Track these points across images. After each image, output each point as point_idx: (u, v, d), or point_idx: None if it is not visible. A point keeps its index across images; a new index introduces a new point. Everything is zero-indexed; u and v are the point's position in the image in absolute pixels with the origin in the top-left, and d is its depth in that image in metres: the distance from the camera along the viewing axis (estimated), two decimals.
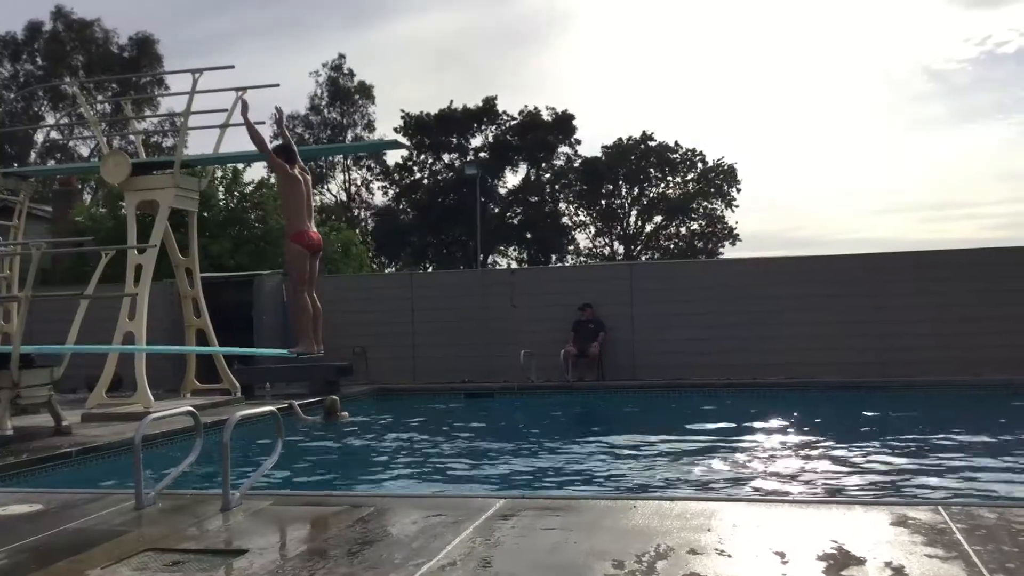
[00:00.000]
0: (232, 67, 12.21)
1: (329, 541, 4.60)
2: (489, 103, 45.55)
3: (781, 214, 63.17)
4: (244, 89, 12.11)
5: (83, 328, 11.02)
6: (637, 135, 46.62)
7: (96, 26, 43.39)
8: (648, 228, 47.78)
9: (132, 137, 14.78)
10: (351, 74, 47.28)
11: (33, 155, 40.06)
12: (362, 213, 48.00)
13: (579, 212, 47.62)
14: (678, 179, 47.22)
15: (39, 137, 39.87)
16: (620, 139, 46.30)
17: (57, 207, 23.42)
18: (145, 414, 8.12)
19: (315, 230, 8.85)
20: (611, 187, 46.74)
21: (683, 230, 47.14)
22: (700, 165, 46.73)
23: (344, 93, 47.00)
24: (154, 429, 8.18)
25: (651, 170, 46.93)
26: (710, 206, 46.80)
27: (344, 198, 47.65)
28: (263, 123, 13.95)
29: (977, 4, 63.22)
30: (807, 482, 7.15)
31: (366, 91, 47.28)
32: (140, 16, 78.63)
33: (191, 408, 6.04)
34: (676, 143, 46.57)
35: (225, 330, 13.41)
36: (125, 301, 11.26)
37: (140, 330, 11.10)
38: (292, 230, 8.57)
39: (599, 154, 46.05)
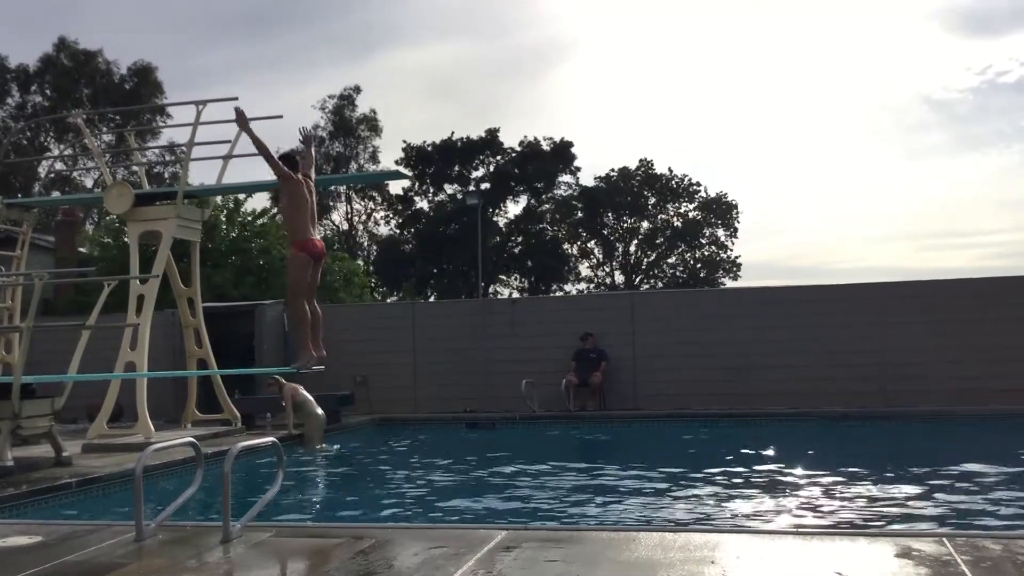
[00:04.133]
0: (236, 99, 12.23)
1: (330, 574, 4.57)
2: (492, 134, 45.82)
3: (780, 242, 63.38)
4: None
5: (85, 358, 11.02)
6: (635, 163, 46.94)
7: (100, 57, 43.83)
8: (650, 257, 47.87)
9: (136, 168, 14.86)
10: (354, 105, 47.67)
11: (37, 186, 40.28)
12: (365, 242, 48.17)
13: (579, 241, 47.74)
14: (678, 208, 47.38)
15: (42, 169, 40.10)
16: (613, 169, 46.58)
17: (60, 237, 23.48)
18: (146, 445, 8.09)
19: (318, 237, 8.82)
20: (611, 216, 46.89)
21: (687, 257, 47.25)
22: (699, 195, 46.92)
23: (348, 125, 47.35)
24: (155, 460, 8.16)
25: (651, 199, 47.11)
26: (713, 235, 46.97)
27: (346, 227, 47.86)
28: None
29: (977, 34, 63.80)
30: (811, 513, 7.11)
31: (371, 123, 47.65)
32: (142, 48, 79.48)
33: (192, 439, 6.02)
34: (671, 170, 46.86)
35: (227, 360, 13.42)
36: (127, 331, 11.27)
37: (142, 360, 11.09)
38: (295, 236, 8.53)
39: (596, 183, 46.29)
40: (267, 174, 9.17)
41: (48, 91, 43.65)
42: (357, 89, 47.80)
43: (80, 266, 19.28)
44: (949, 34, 64.07)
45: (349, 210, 48.35)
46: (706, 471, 9.21)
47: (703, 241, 47.18)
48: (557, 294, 43.75)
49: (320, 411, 12.08)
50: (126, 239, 14.19)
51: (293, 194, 8.53)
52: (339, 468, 10.98)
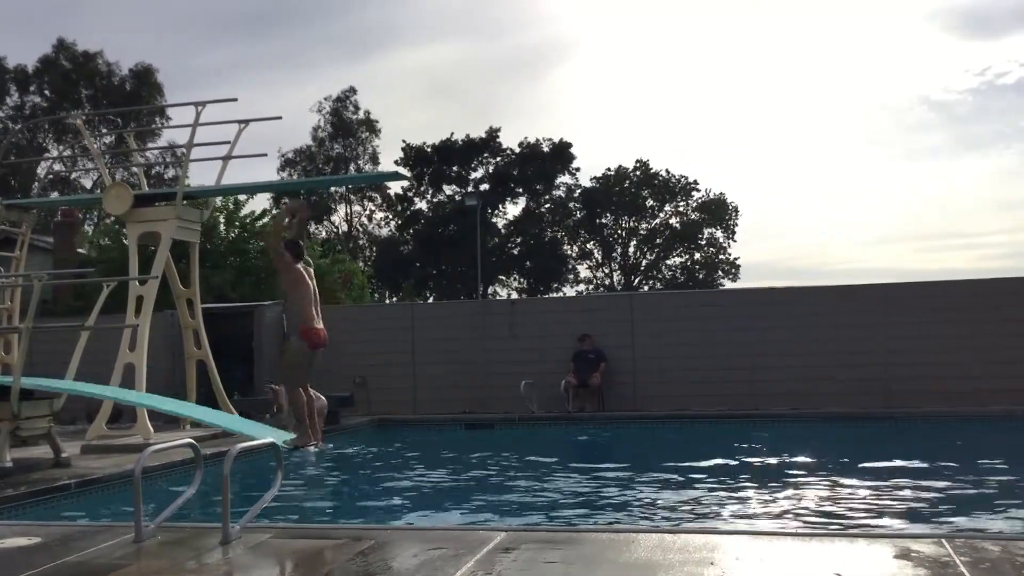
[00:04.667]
0: (235, 100, 12.33)
1: (329, 575, 4.57)
2: (491, 134, 45.84)
3: (780, 244, 63.44)
4: (247, 122, 12.22)
5: (84, 359, 11.02)
6: (632, 164, 46.98)
7: (99, 59, 43.85)
8: (649, 258, 47.90)
9: (135, 169, 14.86)
10: (356, 107, 47.74)
11: (36, 187, 40.29)
12: (364, 243, 48.22)
13: (578, 242, 47.77)
14: (676, 207, 47.40)
15: (42, 170, 40.11)
16: (609, 168, 46.59)
17: (59, 239, 23.47)
18: (145, 446, 8.09)
19: (322, 325, 8.92)
20: (610, 217, 46.92)
21: (686, 259, 47.28)
22: (696, 194, 46.94)
23: (348, 126, 47.41)
24: (154, 461, 8.14)
25: (648, 200, 47.12)
26: (712, 235, 46.98)
27: (346, 229, 47.88)
28: (265, 155, 14.11)
29: (977, 35, 63.90)
30: (810, 514, 7.10)
31: (370, 125, 47.70)
32: (142, 48, 79.50)
33: (191, 440, 6.01)
34: (667, 171, 46.87)
35: (226, 361, 13.42)
36: (126, 332, 11.26)
37: (141, 361, 11.09)
38: (302, 324, 8.63)
39: (593, 183, 46.32)
40: (266, 175, 9.22)
41: (47, 92, 43.67)
42: (352, 90, 47.84)
43: (79, 268, 19.27)
44: (948, 35, 64.20)
45: (348, 211, 48.38)
46: (706, 472, 9.21)
47: (701, 242, 47.21)
48: (556, 295, 43.74)
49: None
50: (125, 240, 14.20)
51: (296, 281, 8.63)
52: (338, 469, 10.97)
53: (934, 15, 66.34)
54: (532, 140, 45.48)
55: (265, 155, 14.06)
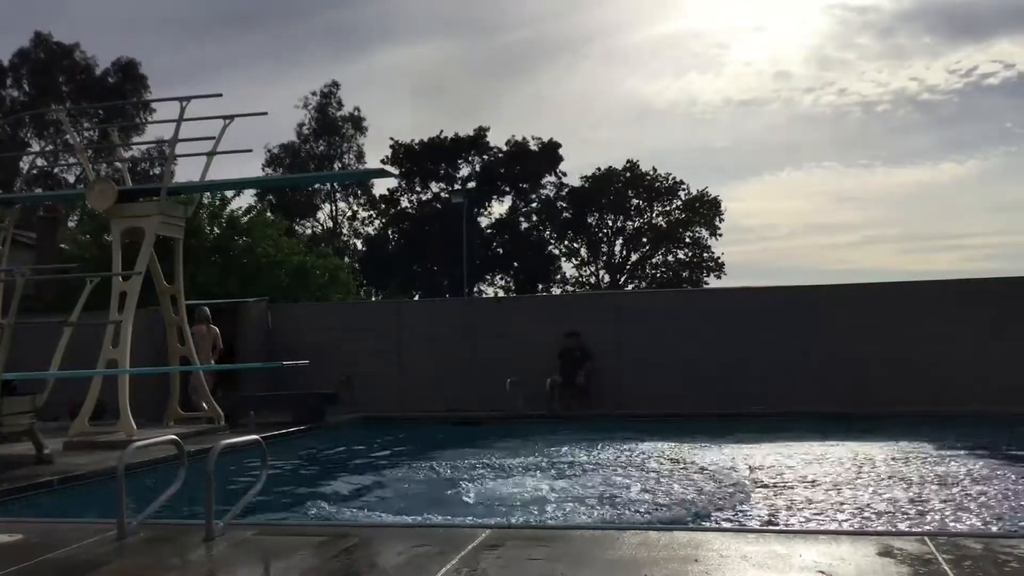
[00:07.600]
0: (220, 95, 12.27)
1: (313, 573, 4.56)
2: (479, 133, 45.73)
3: (765, 245, 63.65)
4: (231, 117, 12.16)
5: (67, 356, 10.95)
6: (622, 163, 46.95)
7: (78, 52, 43.46)
8: (634, 257, 47.93)
9: (119, 164, 14.76)
10: (340, 104, 47.49)
11: (18, 183, 39.89)
12: (351, 241, 48.07)
13: (565, 241, 47.75)
14: (662, 208, 47.45)
15: (24, 165, 39.74)
16: (599, 168, 46.53)
17: (42, 234, 23.24)
18: (128, 443, 8.04)
19: None
20: (596, 216, 46.93)
21: (670, 258, 47.33)
22: (683, 194, 46.96)
23: (332, 124, 47.15)
24: (137, 458, 8.10)
25: (635, 200, 47.14)
26: (696, 234, 47.04)
27: (331, 226, 47.71)
28: (250, 151, 14.03)
29: (962, 38, 64.32)
30: (793, 512, 7.14)
31: (356, 122, 47.45)
32: (126, 44, 79.01)
33: (175, 437, 5.99)
34: (655, 169, 46.89)
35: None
36: (109, 328, 11.20)
37: (124, 357, 11.04)
38: None
39: (581, 183, 46.30)
40: (251, 171, 9.17)
41: (25, 86, 43.22)
42: (336, 85, 47.55)
43: (62, 263, 19.11)
44: (934, 37, 64.60)
45: (334, 209, 48.22)
46: (690, 470, 9.25)
47: (687, 240, 47.29)
48: (543, 293, 43.74)
49: None
50: (107, 237, 14.11)
51: None
52: (324, 466, 10.95)
53: (920, 16, 66.76)
54: (520, 138, 45.53)
55: (250, 151, 14.03)
